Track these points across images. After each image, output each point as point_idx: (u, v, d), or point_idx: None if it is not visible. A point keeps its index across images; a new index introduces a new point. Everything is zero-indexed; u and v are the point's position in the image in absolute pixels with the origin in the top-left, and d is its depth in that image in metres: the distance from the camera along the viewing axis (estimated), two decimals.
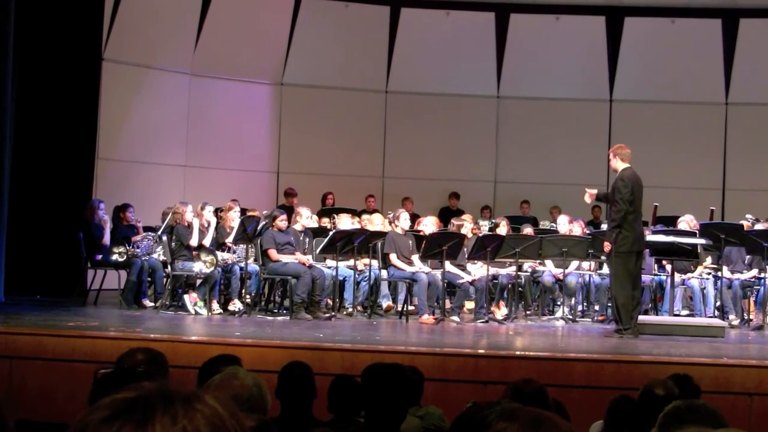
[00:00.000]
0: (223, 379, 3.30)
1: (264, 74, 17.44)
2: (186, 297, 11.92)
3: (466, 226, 12.84)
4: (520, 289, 13.02)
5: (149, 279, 12.65)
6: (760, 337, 11.56)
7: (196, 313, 11.67)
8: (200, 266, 11.83)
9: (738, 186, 17.28)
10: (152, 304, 12.27)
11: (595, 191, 11.02)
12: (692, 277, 12.85)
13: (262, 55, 17.24)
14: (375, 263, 12.59)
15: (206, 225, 12.31)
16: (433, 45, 17.81)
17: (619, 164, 10.70)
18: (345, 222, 13.21)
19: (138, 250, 12.47)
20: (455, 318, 12.01)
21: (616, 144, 11.11)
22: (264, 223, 12.42)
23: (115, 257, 12.35)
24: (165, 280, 12.35)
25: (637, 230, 10.59)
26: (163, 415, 1.48)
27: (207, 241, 12.09)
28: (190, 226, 12.14)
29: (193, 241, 11.94)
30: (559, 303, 13.11)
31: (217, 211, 12.96)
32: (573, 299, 13.01)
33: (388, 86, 17.93)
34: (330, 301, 12.39)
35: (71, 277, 12.90)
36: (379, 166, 17.88)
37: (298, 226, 12.53)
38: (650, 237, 11.76)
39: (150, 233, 12.81)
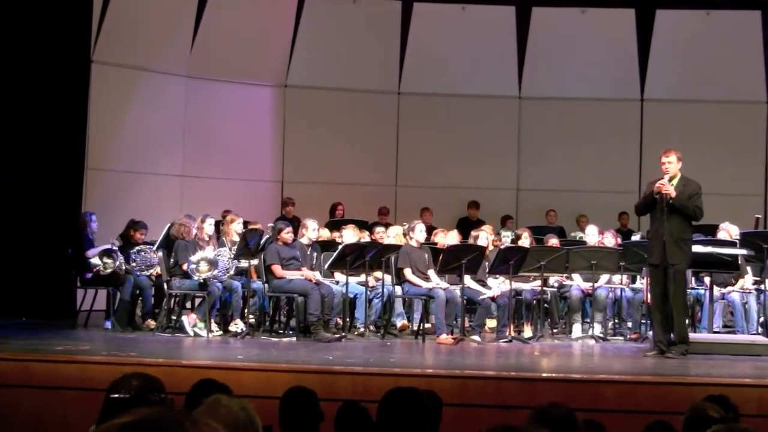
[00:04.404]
0: (209, 409, 3.30)
1: (266, 76, 17.48)
2: (184, 318, 11.94)
3: (482, 236, 12.82)
4: (545, 305, 13.01)
5: (140, 298, 12.67)
6: None
7: (196, 334, 11.68)
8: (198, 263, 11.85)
9: None
10: (152, 324, 12.23)
11: (671, 189, 10.50)
12: (733, 291, 12.82)
13: (263, 55, 17.28)
14: (388, 279, 12.59)
15: (207, 239, 12.32)
16: (449, 42, 17.82)
17: (678, 171, 10.64)
18: (348, 235, 13.17)
19: (133, 264, 12.44)
20: (476, 337, 12.00)
21: (672, 148, 10.83)
22: (267, 236, 12.42)
23: (95, 261, 12.28)
24: (162, 299, 12.37)
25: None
26: None
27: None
28: (195, 245, 12.12)
29: (194, 258, 11.93)
30: (587, 320, 13.06)
31: (218, 224, 12.97)
32: (602, 315, 12.98)
33: (400, 87, 17.95)
34: (340, 321, 12.39)
35: (60, 298, 12.93)
36: (391, 174, 17.89)
37: (304, 240, 12.54)
38: None
39: (147, 246, 12.75)
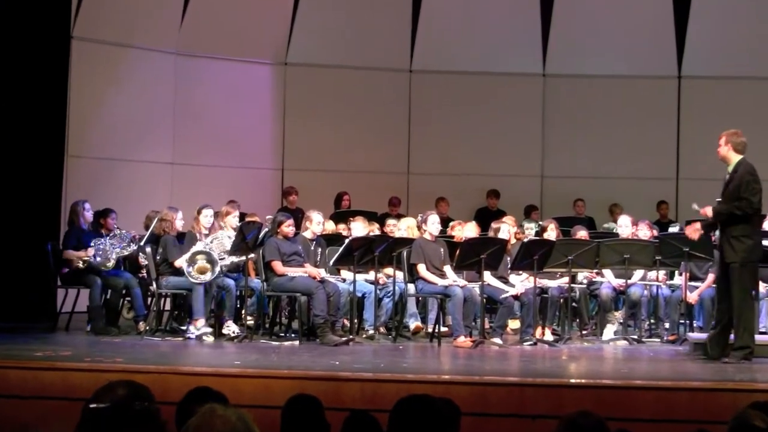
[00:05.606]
0: (203, 420, 3.31)
1: (264, 52, 17.47)
2: (191, 327, 11.82)
3: (503, 228, 12.81)
4: (573, 304, 13.00)
5: (128, 298, 12.63)
6: None
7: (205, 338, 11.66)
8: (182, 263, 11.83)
9: None
10: (143, 326, 12.18)
11: (708, 210, 10.49)
12: None
13: (261, 30, 17.27)
14: (400, 276, 12.59)
15: (206, 233, 12.27)
16: (466, 14, 17.80)
17: (732, 155, 10.47)
18: (358, 228, 13.14)
19: (117, 250, 12.39)
20: (497, 340, 12.00)
21: (730, 130, 10.59)
22: (267, 230, 12.41)
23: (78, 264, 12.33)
24: (151, 299, 12.38)
25: (759, 236, 10.61)
26: None
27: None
28: (192, 239, 12.08)
29: (180, 261, 11.89)
30: (621, 320, 13.03)
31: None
32: (633, 313, 12.96)
33: (412, 65, 17.94)
34: (347, 322, 12.39)
35: (39, 298, 12.94)
36: (403, 161, 17.89)
37: (308, 234, 12.53)
38: None
39: (119, 229, 12.66)
